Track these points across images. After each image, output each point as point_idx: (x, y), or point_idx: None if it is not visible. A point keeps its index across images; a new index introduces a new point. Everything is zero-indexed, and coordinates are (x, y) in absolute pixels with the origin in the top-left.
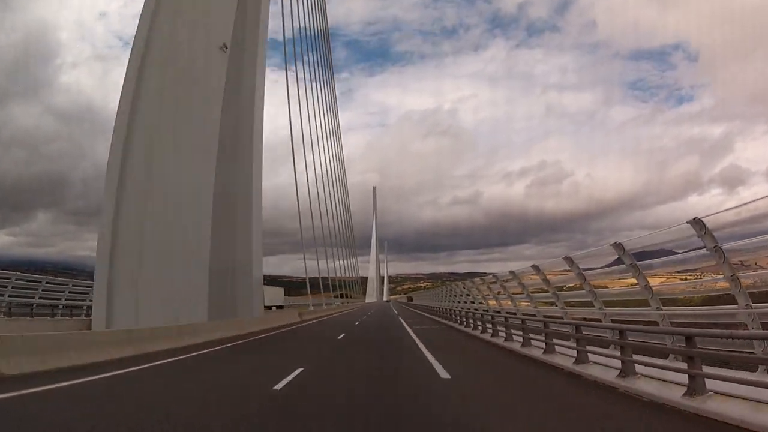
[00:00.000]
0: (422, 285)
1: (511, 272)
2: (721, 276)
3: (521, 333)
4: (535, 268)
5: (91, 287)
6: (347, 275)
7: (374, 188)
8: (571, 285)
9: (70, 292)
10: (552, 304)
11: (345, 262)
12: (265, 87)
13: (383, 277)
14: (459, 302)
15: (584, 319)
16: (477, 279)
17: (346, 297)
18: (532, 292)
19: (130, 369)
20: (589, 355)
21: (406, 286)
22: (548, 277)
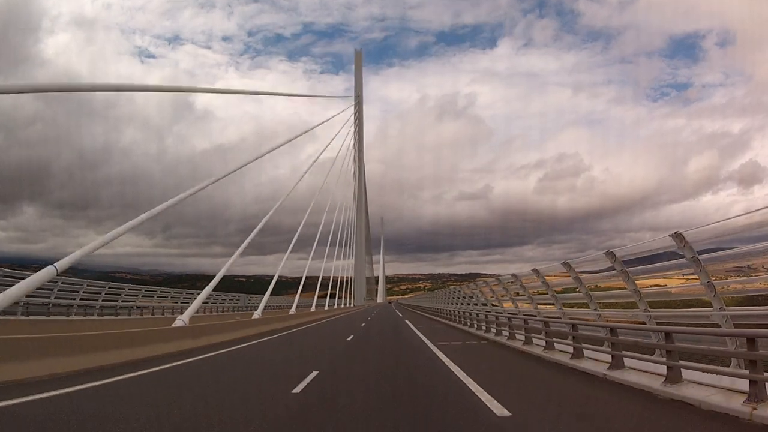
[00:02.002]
0: (421, 285)
1: (534, 270)
2: (698, 283)
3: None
4: (566, 265)
5: (104, 287)
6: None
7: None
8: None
9: (84, 292)
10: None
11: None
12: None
13: (377, 277)
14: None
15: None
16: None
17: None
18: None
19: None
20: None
21: (403, 286)
22: (547, 279)
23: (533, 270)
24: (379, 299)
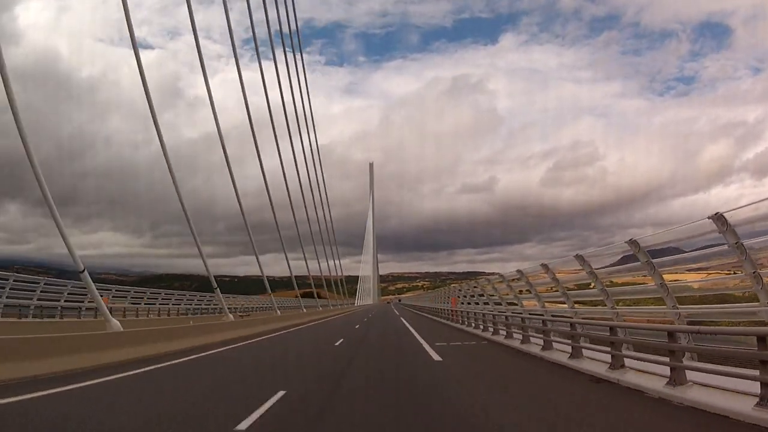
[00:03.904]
0: (419, 284)
1: (578, 256)
2: (741, 273)
3: None
4: (634, 243)
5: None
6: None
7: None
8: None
9: (42, 291)
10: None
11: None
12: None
13: (358, 276)
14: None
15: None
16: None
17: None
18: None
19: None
20: None
21: (399, 285)
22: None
23: (576, 256)
24: (362, 300)
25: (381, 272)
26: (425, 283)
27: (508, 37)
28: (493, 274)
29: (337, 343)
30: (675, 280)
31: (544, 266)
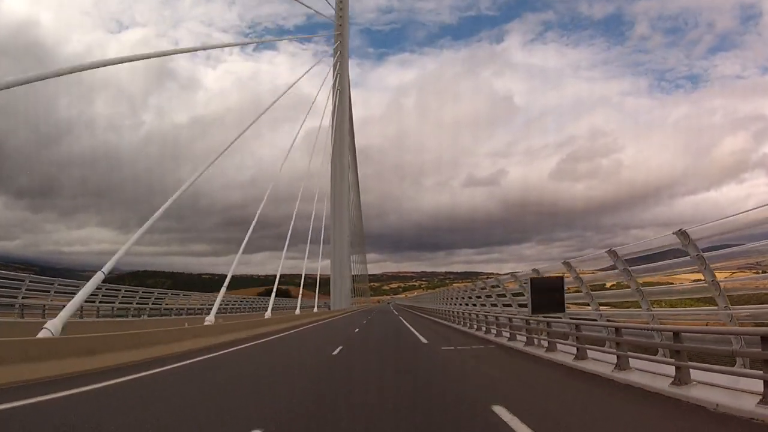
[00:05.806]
0: (415, 284)
1: (681, 232)
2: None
3: None
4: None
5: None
6: None
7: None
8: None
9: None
10: None
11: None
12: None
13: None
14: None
15: None
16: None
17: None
18: None
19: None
20: None
21: (394, 285)
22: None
23: (678, 233)
24: (336, 302)
25: (375, 272)
26: (422, 282)
27: (515, 33)
28: (491, 274)
29: None
30: (697, 280)
31: (612, 253)
